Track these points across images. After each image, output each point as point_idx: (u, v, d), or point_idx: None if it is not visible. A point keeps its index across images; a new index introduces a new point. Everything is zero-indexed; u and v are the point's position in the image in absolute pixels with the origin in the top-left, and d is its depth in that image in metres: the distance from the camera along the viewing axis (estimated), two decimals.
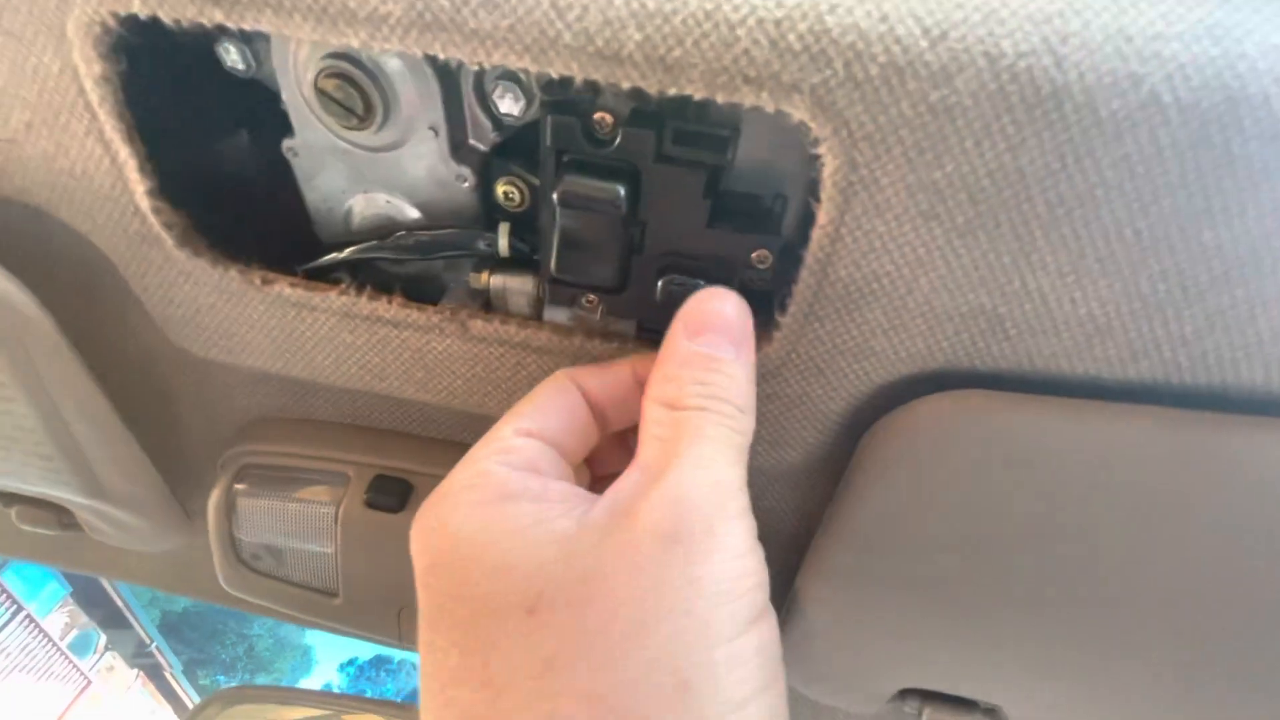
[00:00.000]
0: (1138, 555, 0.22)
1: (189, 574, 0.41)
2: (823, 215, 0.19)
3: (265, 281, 0.24)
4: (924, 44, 0.16)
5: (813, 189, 0.19)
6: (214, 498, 0.32)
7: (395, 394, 0.27)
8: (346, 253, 0.25)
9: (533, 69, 0.18)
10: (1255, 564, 0.21)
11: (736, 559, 0.16)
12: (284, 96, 0.22)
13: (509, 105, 0.21)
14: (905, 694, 0.33)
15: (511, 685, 0.15)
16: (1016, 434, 0.21)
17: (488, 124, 0.22)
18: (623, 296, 0.23)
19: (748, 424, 0.18)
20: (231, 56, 0.22)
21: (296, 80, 0.22)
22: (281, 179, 0.25)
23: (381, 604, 0.32)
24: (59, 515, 0.35)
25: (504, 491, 0.17)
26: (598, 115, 0.20)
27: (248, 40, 0.21)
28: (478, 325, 0.24)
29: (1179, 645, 0.25)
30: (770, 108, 0.17)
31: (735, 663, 0.15)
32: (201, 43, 0.21)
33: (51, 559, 0.43)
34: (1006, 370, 0.21)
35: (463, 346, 0.25)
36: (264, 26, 0.18)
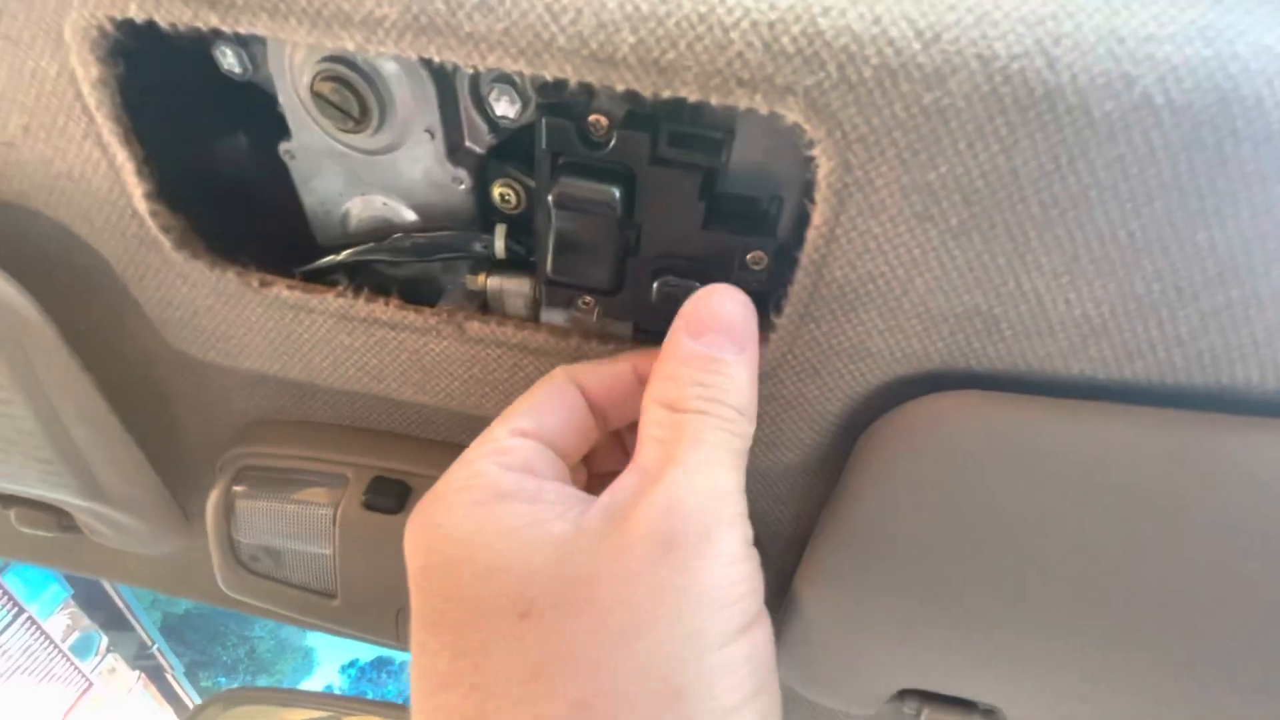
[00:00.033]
0: (1134, 555, 0.22)
1: (188, 576, 0.41)
2: (817, 217, 0.19)
3: (263, 284, 0.24)
4: (917, 46, 0.16)
5: (807, 191, 0.19)
6: (212, 499, 0.32)
7: (393, 395, 0.27)
8: (344, 255, 0.25)
9: (527, 72, 0.18)
10: (1252, 564, 0.21)
11: (730, 566, 0.16)
12: (280, 99, 0.22)
13: (504, 108, 0.21)
14: (904, 695, 0.33)
15: (500, 690, 0.15)
16: (1012, 434, 0.21)
17: (484, 127, 0.22)
18: (619, 298, 0.23)
19: (747, 427, 0.18)
20: (228, 60, 0.22)
21: (293, 83, 0.22)
22: (279, 182, 0.25)
23: (380, 605, 0.32)
24: (58, 517, 0.35)
25: (498, 492, 0.17)
26: (593, 118, 0.20)
27: (244, 44, 0.22)
28: (475, 327, 0.24)
29: (1175, 645, 0.25)
30: (764, 110, 0.17)
31: (726, 670, 0.15)
32: (198, 46, 0.21)
33: (51, 561, 0.43)
34: (1002, 371, 0.21)
35: (460, 348, 0.25)
36: (259, 30, 0.18)
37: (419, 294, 0.27)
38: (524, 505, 0.17)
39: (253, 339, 0.26)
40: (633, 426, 0.19)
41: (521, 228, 0.24)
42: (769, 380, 0.23)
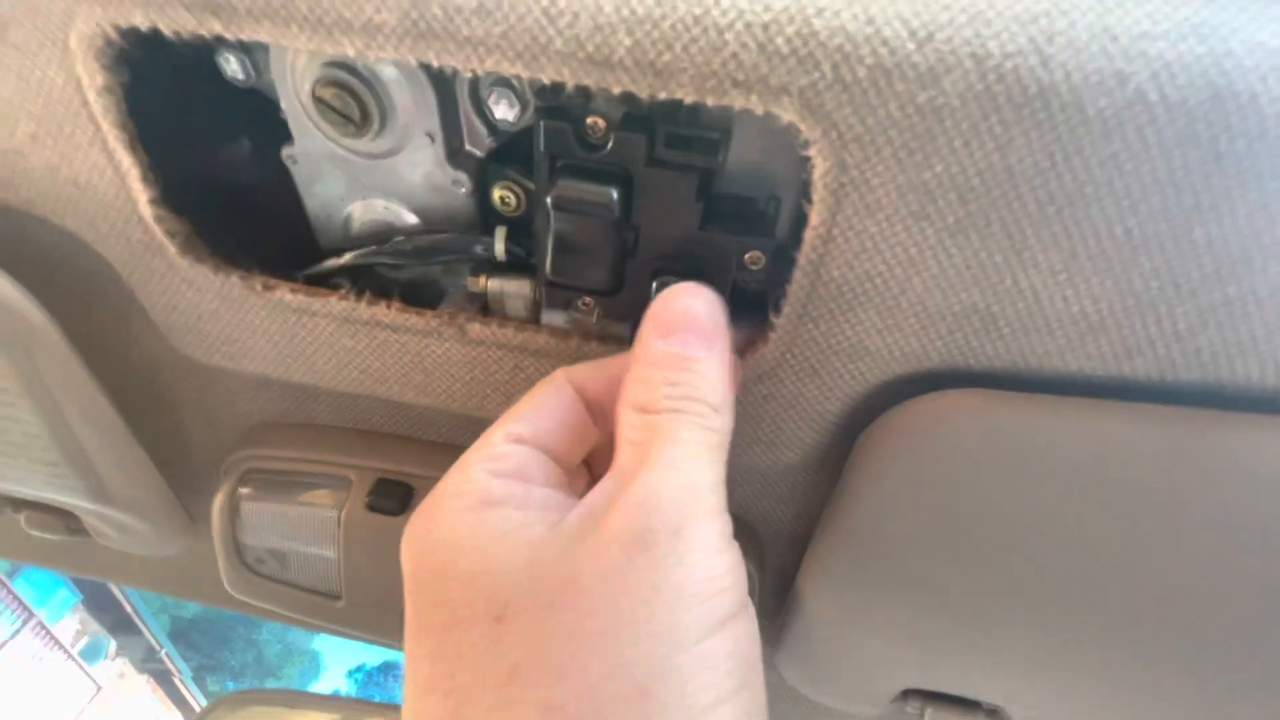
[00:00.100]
0: (1134, 552, 0.22)
1: (193, 578, 0.41)
2: (814, 216, 0.19)
3: (266, 287, 0.24)
4: (911, 46, 0.16)
5: (804, 190, 0.19)
6: (218, 502, 0.32)
7: (395, 397, 0.27)
8: (346, 258, 0.26)
9: (525, 75, 0.18)
10: (1251, 560, 0.21)
11: (706, 560, 0.16)
12: (283, 105, 0.23)
13: (504, 111, 0.21)
14: (907, 695, 0.33)
15: (475, 695, 0.15)
16: (1012, 432, 0.21)
17: (483, 130, 0.22)
18: (618, 299, 0.24)
19: (723, 422, 0.18)
20: (231, 66, 0.22)
21: (295, 89, 0.22)
22: (281, 186, 0.25)
23: (384, 606, 0.32)
24: (66, 520, 0.36)
25: (486, 499, 0.17)
26: (590, 120, 0.20)
27: (247, 51, 0.22)
28: (475, 329, 0.24)
29: (1176, 641, 0.25)
30: (760, 110, 0.17)
31: (704, 665, 0.15)
32: (202, 54, 0.22)
33: (59, 564, 0.44)
34: (1001, 369, 0.21)
35: (461, 350, 0.25)
36: (262, 37, 0.18)
37: (420, 297, 0.27)
38: (511, 511, 0.17)
39: (256, 342, 0.26)
40: None
41: (521, 230, 0.24)
42: (768, 380, 0.23)
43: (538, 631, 0.15)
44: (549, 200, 0.21)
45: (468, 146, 0.23)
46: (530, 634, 0.15)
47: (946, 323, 0.20)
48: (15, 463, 0.30)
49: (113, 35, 0.19)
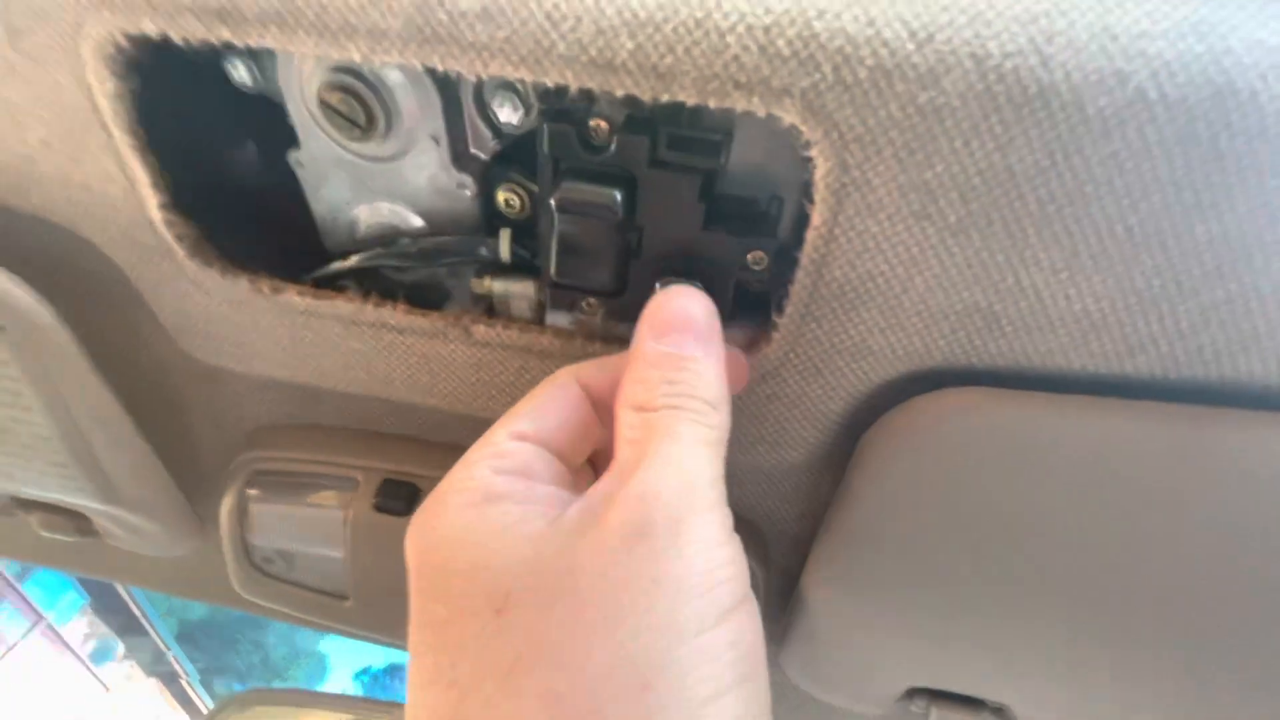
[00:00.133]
0: (1137, 550, 0.22)
1: (202, 578, 0.41)
2: (816, 217, 0.19)
3: (274, 290, 0.24)
4: (911, 46, 0.16)
5: (806, 191, 0.19)
6: (226, 503, 0.33)
7: (401, 399, 0.28)
8: (352, 261, 0.26)
9: (529, 79, 0.18)
10: (1255, 558, 0.21)
11: (705, 553, 0.16)
12: (289, 109, 0.23)
13: (508, 114, 0.21)
14: (913, 694, 0.33)
15: (476, 686, 0.15)
16: (1015, 431, 0.21)
17: (488, 133, 0.23)
18: (622, 300, 0.24)
19: (720, 419, 0.18)
20: (239, 72, 0.22)
21: (301, 94, 0.22)
22: (288, 190, 0.25)
23: (391, 606, 0.32)
24: (77, 522, 0.36)
25: (489, 494, 0.17)
26: (594, 123, 0.20)
27: (254, 56, 0.22)
28: (480, 330, 0.24)
29: (1180, 639, 0.24)
30: (761, 112, 0.17)
31: (705, 657, 0.15)
32: (210, 60, 0.22)
33: (70, 565, 0.44)
34: (1004, 367, 0.21)
35: (466, 351, 0.25)
36: (269, 43, 0.19)
37: (426, 299, 0.27)
38: (513, 506, 0.17)
39: (264, 344, 0.27)
40: None
41: (526, 232, 0.24)
42: (771, 380, 0.23)
43: (538, 623, 0.15)
44: (553, 202, 0.21)
45: (472, 149, 0.23)
46: (531, 626, 0.15)
47: (949, 321, 0.20)
48: (27, 465, 0.30)
49: (123, 43, 0.19)
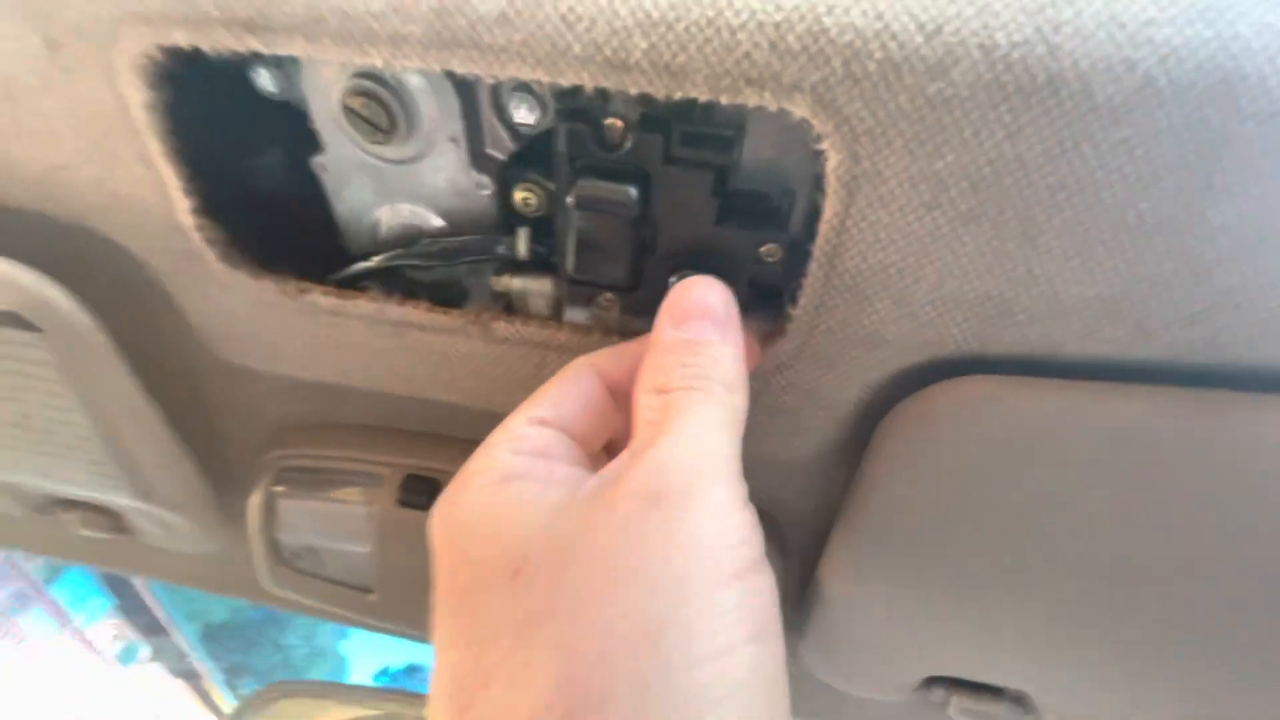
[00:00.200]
0: (1154, 536, 0.22)
1: (232, 574, 0.42)
2: (828, 209, 0.19)
3: (299, 291, 0.25)
4: (919, 39, 0.16)
5: (818, 183, 0.19)
6: (254, 500, 0.33)
7: (423, 395, 0.28)
8: (374, 261, 0.26)
9: (545, 80, 0.18)
10: (1272, 543, 0.21)
11: (718, 516, 0.16)
12: (313, 115, 0.23)
13: (524, 115, 0.22)
14: (931, 682, 0.34)
15: (493, 643, 0.16)
16: (1030, 418, 0.21)
17: (505, 134, 0.23)
18: (638, 295, 0.24)
19: (737, 401, 0.19)
20: (264, 80, 0.23)
21: (324, 99, 0.23)
22: (312, 194, 0.26)
23: (415, 599, 0.33)
24: (113, 520, 0.37)
25: (509, 473, 0.18)
26: (609, 121, 0.21)
27: (279, 65, 0.23)
28: (500, 327, 0.25)
29: (1199, 624, 0.24)
30: (773, 107, 0.18)
31: (714, 613, 0.15)
32: (236, 69, 0.23)
33: (106, 562, 0.46)
34: (1018, 354, 0.21)
35: (486, 348, 0.26)
36: (295, 51, 0.19)
37: (446, 297, 0.28)
38: (531, 483, 0.17)
39: (290, 344, 0.27)
40: None
41: (543, 230, 0.25)
42: (786, 371, 0.24)
43: (553, 582, 0.16)
44: (570, 200, 0.22)
45: (490, 150, 0.24)
46: (545, 585, 0.16)
47: (962, 310, 0.20)
48: (67, 464, 0.31)
49: (156, 55, 0.20)
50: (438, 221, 0.26)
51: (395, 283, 0.27)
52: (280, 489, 0.33)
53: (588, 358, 0.21)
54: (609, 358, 0.21)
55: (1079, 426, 0.21)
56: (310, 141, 0.24)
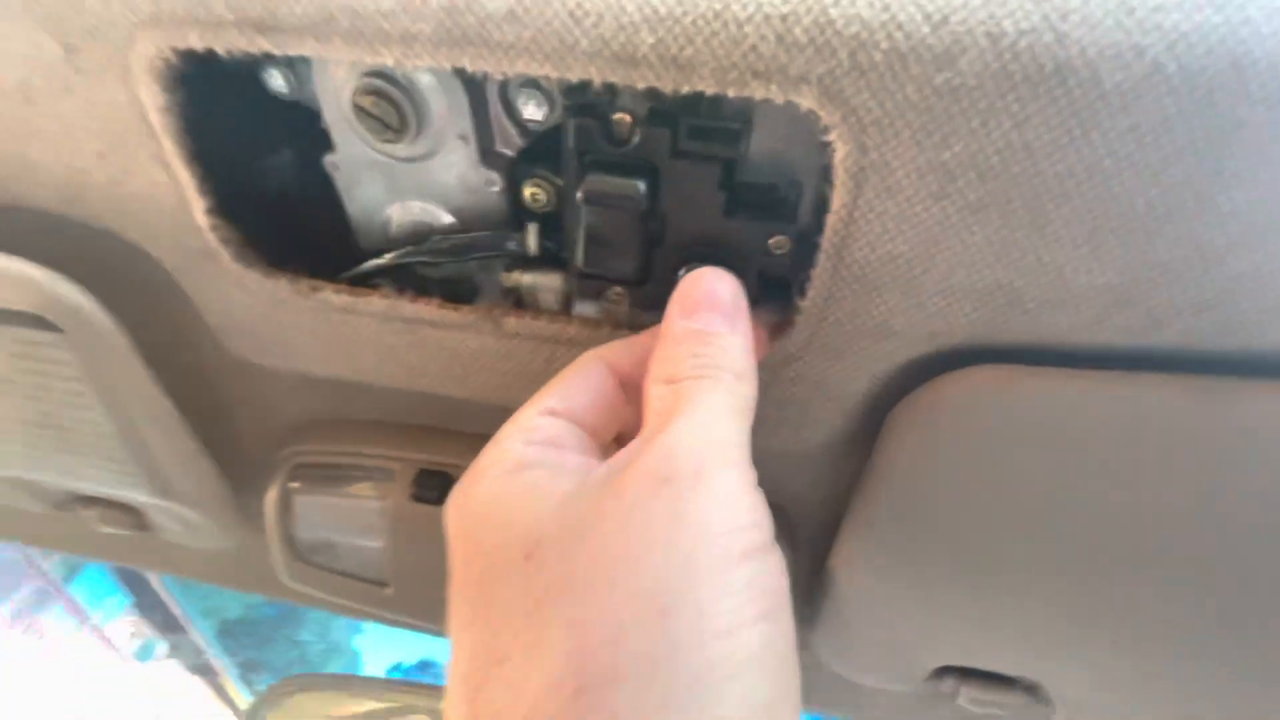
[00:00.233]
0: (1167, 524, 0.22)
1: (249, 569, 0.43)
2: (836, 200, 0.19)
3: (312, 289, 0.25)
4: (926, 29, 0.16)
5: (825, 175, 0.19)
6: (270, 496, 0.34)
7: (435, 391, 0.28)
8: (386, 259, 0.27)
9: (554, 75, 0.19)
10: None
11: (727, 499, 0.16)
12: (324, 115, 0.24)
13: (533, 111, 0.22)
14: (942, 673, 0.34)
15: (506, 623, 0.16)
16: (1039, 407, 0.21)
17: (513, 130, 0.23)
18: (647, 288, 0.24)
19: (747, 390, 0.19)
20: (276, 81, 0.23)
21: (335, 99, 0.23)
22: (324, 193, 0.26)
23: (429, 592, 0.33)
24: (133, 517, 0.38)
25: (521, 463, 0.18)
26: (617, 116, 0.21)
27: (290, 65, 0.23)
28: (510, 322, 0.25)
29: (1212, 613, 0.24)
30: (780, 99, 0.18)
31: (723, 592, 0.15)
32: (248, 70, 0.23)
33: (126, 559, 0.46)
34: (1028, 343, 0.21)
35: (497, 343, 0.26)
36: (306, 51, 0.19)
37: (457, 293, 0.28)
38: (543, 471, 0.18)
39: (303, 342, 0.28)
40: None
41: (552, 225, 0.25)
42: (795, 363, 0.24)
43: (564, 564, 0.16)
44: (579, 195, 0.22)
45: (499, 147, 0.24)
46: (556, 567, 0.16)
47: (971, 301, 0.20)
48: (88, 462, 0.32)
49: (171, 57, 0.20)
50: (448, 218, 0.26)
51: (407, 280, 0.28)
52: (296, 485, 0.34)
53: (598, 350, 0.21)
54: (619, 350, 0.21)
55: (1089, 415, 0.21)
56: (322, 141, 0.25)
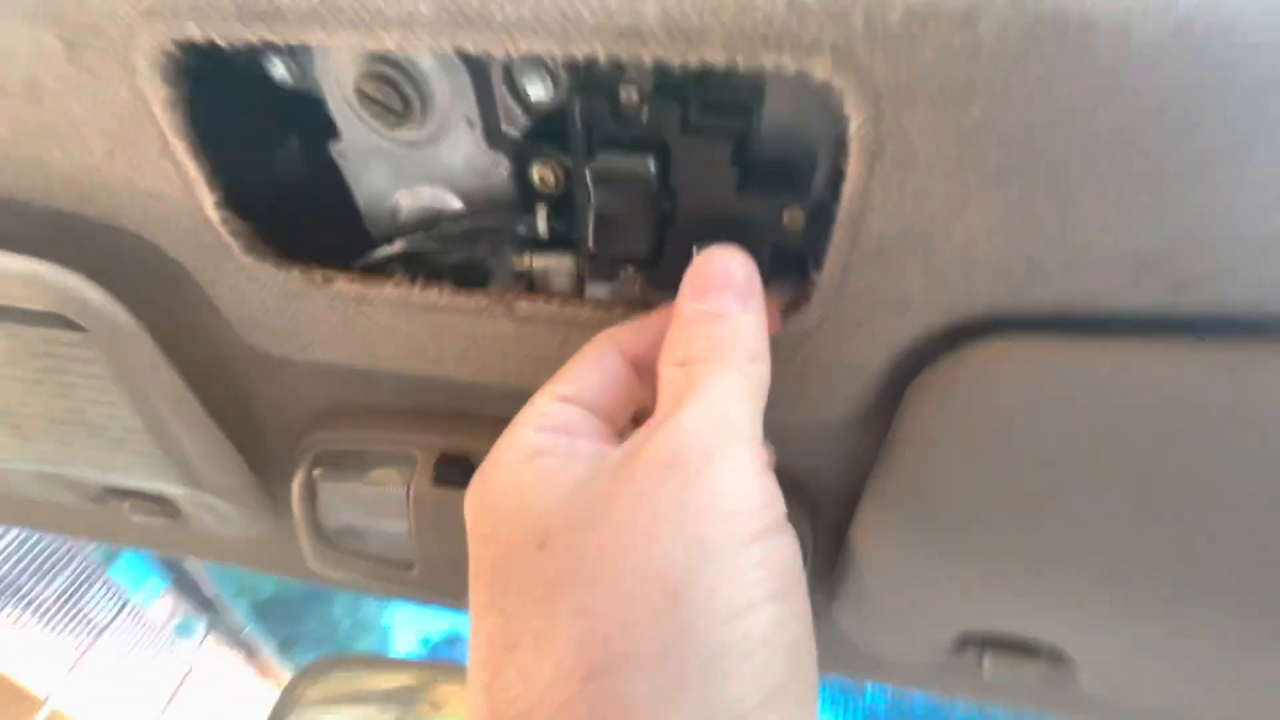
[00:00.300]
0: (1197, 490, 0.22)
1: (279, 554, 0.44)
2: (852, 171, 0.19)
3: (325, 279, 0.25)
4: None
5: (840, 146, 0.19)
6: (296, 484, 0.35)
7: (451, 376, 0.29)
8: (397, 246, 0.27)
9: (558, 53, 0.18)
10: None
11: (735, 482, 0.16)
12: (328, 102, 0.24)
13: (538, 90, 0.22)
14: (965, 643, 0.34)
15: (519, 610, 0.16)
16: (1063, 376, 0.21)
17: (519, 110, 0.23)
18: (660, 267, 0.24)
19: (759, 371, 0.19)
20: (278, 69, 0.23)
21: (339, 86, 0.23)
22: (332, 181, 0.26)
23: (454, 572, 0.34)
24: (164, 507, 0.39)
25: (534, 450, 0.18)
26: (624, 93, 0.20)
27: (292, 53, 0.23)
28: (523, 306, 0.25)
29: (1243, 581, 0.24)
30: (792, 69, 0.17)
31: (733, 574, 0.15)
32: (251, 61, 0.23)
33: (160, 546, 0.48)
34: (1050, 313, 0.21)
35: (511, 327, 0.26)
36: (307, 39, 0.19)
37: (469, 278, 0.28)
38: (556, 458, 0.18)
39: (319, 332, 0.28)
40: None
41: (562, 206, 0.25)
42: (812, 338, 0.24)
43: (575, 550, 0.16)
44: (588, 174, 0.21)
45: (505, 128, 0.24)
46: (568, 553, 0.16)
47: (992, 270, 0.20)
48: (118, 456, 0.33)
49: (173, 50, 0.20)
50: (457, 203, 0.26)
51: (418, 266, 0.28)
52: (319, 472, 0.34)
53: (610, 333, 0.21)
54: (631, 332, 0.21)
55: (1114, 382, 0.20)
56: (327, 129, 0.24)
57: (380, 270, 0.27)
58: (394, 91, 0.22)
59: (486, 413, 0.32)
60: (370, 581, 0.37)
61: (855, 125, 0.18)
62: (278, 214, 0.26)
